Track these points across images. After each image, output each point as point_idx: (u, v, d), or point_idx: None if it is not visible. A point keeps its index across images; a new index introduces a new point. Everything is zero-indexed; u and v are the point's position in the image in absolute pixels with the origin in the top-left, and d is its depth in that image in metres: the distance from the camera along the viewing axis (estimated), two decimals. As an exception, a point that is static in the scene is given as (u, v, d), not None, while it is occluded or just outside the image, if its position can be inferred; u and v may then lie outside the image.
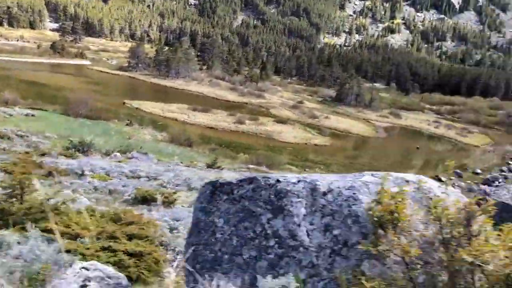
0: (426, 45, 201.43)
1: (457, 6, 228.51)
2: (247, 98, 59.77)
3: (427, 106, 79.37)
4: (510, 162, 40.81)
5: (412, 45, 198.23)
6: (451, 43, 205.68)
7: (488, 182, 30.81)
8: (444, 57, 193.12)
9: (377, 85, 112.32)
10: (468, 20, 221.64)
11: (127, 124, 34.23)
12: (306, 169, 29.53)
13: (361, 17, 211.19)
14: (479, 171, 34.25)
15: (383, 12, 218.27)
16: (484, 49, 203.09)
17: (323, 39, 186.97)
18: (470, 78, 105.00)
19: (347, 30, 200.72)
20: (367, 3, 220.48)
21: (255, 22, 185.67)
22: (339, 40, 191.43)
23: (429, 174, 32.36)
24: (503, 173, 34.91)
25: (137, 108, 43.90)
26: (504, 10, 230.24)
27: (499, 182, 30.86)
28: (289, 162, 30.31)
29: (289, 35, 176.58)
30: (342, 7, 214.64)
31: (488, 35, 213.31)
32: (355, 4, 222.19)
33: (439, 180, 31.13)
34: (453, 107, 77.68)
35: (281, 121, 44.38)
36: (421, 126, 56.35)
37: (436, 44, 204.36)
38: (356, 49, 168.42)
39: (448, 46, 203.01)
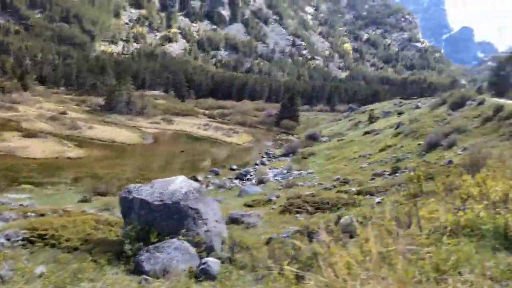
0: (202, 54, 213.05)
1: (227, 18, 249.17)
2: (-6, 112, 50.67)
3: (201, 110, 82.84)
4: (264, 156, 44.86)
5: (189, 53, 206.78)
6: (225, 52, 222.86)
7: (240, 177, 32.58)
8: (219, 65, 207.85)
9: (156, 92, 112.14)
10: (237, 31, 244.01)
11: None
12: (48, 186, 25.68)
13: (138, 25, 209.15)
14: (235, 167, 36.17)
15: (159, 21, 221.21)
16: (252, 57, 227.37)
17: (99, 47, 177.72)
18: (239, 84, 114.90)
19: (124, 38, 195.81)
20: (143, 12, 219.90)
21: (16, 28, 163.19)
22: (116, 48, 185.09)
23: (187, 175, 32.46)
24: (256, 166, 37.76)
25: None
26: (266, 23, 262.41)
27: (250, 175, 32.98)
28: (27, 181, 25.89)
29: (60, 42, 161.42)
30: (117, 15, 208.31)
31: (255, 45, 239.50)
32: (131, 13, 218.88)
33: (196, 179, 31.40)
34: (224, 111, 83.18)
35: (31, 134, 38.52)
36: (192, 129, 57.82)
37: (212, 53, 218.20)
38: (135, 57, 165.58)
39: (222, 55, 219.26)
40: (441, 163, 19.75)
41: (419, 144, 27.46)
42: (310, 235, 9.13)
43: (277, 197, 19.52)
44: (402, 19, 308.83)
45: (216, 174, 33.24)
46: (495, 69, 58.16)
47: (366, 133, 48.13)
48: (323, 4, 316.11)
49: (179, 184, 7.76)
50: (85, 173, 29.12)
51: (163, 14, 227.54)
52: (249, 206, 17.88)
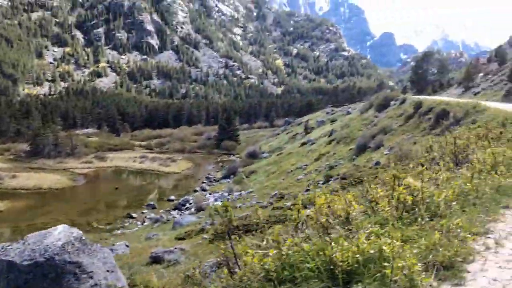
0: (135, 85, 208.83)
1: (157, 47, 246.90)
2: None
3: (137, 143, 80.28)
4: (204, 181, 43.75)
5: (121, 86, 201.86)
6: (158, 81, 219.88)
7: (179, 207, 31.29)
8: (153, 94, 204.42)
9: (89, 130, 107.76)
10: (168, 59, 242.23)
11: None
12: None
13: (63, 63, 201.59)
14: (173, 197, 34.78)
15: (86, 57, 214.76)
16: (187, 83, 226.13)
17: (23, 90, 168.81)
18: (175, 110, 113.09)
19: (50, 78, 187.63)
20: (67, 49, 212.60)
21: None
22: (42, 90, 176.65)
23: (120, 213, 30.69)
24: (196, 193, 36.56)
25: None
26: (196, 48, 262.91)
27: (189, 204, 31.75)
28: None
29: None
30: (40, 55, 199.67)
31: (188, 70, 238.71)
32: (54, 51, 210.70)
33: (131, 217, 29.73)
34: (162, 140, 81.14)
35: None
36: (127, 164, 55.51)
37: (144, 82, 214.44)
38: (63, 96, 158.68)
39: (155, 84, 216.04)
40: (369, 165, 19.86)
41: (350, 149, 27.79)
42: (229, 266, 8.36)
43: (211, 224, 18.62)
44: (327, 31, 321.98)
45: (153, 208, 31.70)
46: (414, 68, 61.55)
47: (303, 144, 48.54)
48: (250, 24, 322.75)
49: (57, 235, 6.67)
50: (5, 228, 26.56)
51: (89, 50, 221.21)
52: (181, 239, 16.86)
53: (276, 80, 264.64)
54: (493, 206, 4.82)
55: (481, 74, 36.62)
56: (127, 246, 16.68)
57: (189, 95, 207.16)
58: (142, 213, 30.11)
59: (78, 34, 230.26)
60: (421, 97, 32.59)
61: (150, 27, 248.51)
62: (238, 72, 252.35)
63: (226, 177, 43.98)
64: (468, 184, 5.35)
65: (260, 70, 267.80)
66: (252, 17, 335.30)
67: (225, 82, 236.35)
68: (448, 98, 29.99)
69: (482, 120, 15.28)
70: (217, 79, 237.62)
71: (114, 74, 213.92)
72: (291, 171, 32.94)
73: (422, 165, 6.59)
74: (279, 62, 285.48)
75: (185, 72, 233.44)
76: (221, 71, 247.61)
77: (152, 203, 32.53)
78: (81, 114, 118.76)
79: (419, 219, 3.95)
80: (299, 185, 24.43)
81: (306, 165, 31.77)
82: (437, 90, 44.59)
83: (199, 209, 28.32)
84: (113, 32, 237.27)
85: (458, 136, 9.13)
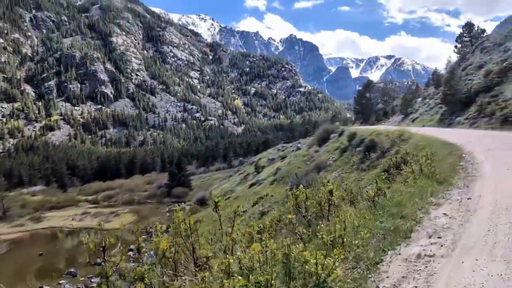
0: (90, 136, 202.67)
1: (112, 96, 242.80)
2: None
3: (84, 198, 75.26)
4: (144, 235, 39.95)
5: (75, 138, 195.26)
6: (114, 130, 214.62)
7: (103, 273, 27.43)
8: (109, 143, 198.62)
9: (36, 187, 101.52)
10: (124, 106, 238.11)
11: None
12: None
13: (12, 120, 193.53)
14: (99, 260, 30.83)
15: (37, 111, 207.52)
16: (144, 129, 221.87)
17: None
18: (127, 159, 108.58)
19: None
20: (16, 104, 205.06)
21: None
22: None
23: (35, 285, 26.52)
24: (130, 253, 32.75)
25: None
26: (153, 93, 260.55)
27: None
28: None
29: None
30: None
31: (145, 116, 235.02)
32: (3, 108, 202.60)
33: (42, 292, 25.64)
34: (110, 192, 76.49)
35: None
36: (64, 223, 50.83)
37: (99, 132, 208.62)
38: (11, 153, 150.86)
39: (111, 133, 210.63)
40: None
41: (286, 190, 25.31)
42: None
43: None
44: (282, 69, 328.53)
45: (74, 276, 27.76)
46: (356, 98, 61.22)
47: (252, 185, 45.93)
48: (206, 67, 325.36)
49: None
50: None
51: (40, 103, 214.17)
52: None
53: (236, 120, 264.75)
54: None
55: (420, 99, 35.79)
56: None
57: (146, 142, 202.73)
58: (59, 284, 26.12)
59: (28, 88, 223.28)
60: (361, 127, 31.04)
61: (103, 76, 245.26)
62: (197, 114, 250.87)
63: (167, 229, 40.28)
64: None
65: (220, 111, 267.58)
66: (208, 60, 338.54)
67: (184, 125, 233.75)
68: (385, 126, 28.54)
69: (405, 150, 13.23)
70: (175, 123, 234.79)
71: (68, 126, 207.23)
72: (230, 218, 29.99)
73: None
74: (238, 102, 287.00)
75: (142, 118, 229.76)
76: (179, 115, 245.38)
77: (73, 270, 28.55)
78: (28, 171, 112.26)
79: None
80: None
81: (244, 211, 29.03)
82: (381, 119, 43.62)
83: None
84: (65, 84, 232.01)
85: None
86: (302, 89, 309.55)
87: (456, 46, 44.95)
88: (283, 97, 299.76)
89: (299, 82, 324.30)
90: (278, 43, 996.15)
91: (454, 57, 42.80)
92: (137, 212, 57.64)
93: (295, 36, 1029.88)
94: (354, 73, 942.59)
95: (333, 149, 27.64)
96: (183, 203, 62.86)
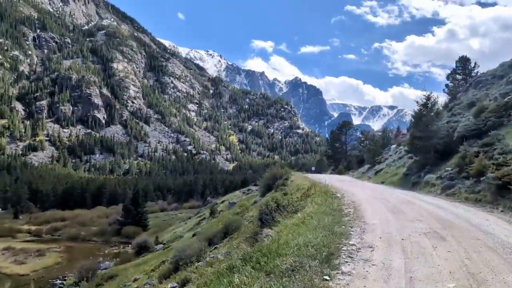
0: (74, 160, 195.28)
1: (103, 121, 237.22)
2: None
3: (28, 228, 66.80)
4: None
5: (57, 161, 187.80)
6: (100, 155, 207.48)
7: None
8: (93, 169, 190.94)
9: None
10: (115, 133, 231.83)
11: None
12: None
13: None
14: None
15: (23, 130, 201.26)
16: (132, 158, 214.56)
17: None
18: (94, 188, 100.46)
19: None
20: (3, 121, 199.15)
21: None
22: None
23: None
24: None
25: None
26: (147, 122, 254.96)
27: None
28: None
29: None
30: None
31: (135, 145, 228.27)
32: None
33: None
34: (57, 224, 68.05)
35: None
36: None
37: (85, 157, 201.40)
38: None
39: (96, 159, 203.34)
40: None
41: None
42: None
43: None
44: (282, 109, 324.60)
45: None
46: (330, 141, 53.91)
47: (194, 235, 37.94)
48: (205, 101, 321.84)
49: None
50: None
51: (28, 123, 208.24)
52: None
53: (229, 156, 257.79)
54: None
55: (394, 146, 28.70)
56: None
57: (131, 171, 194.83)
58: None
59: (19, 106, 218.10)
60: (308, 175, 23.73)
61: (97, 100, 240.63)
62: (189, 147, 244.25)
63: (76, 284, 32.21)
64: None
65: (213, 146, 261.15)
66: (208, 94, 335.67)
67: (173, 157, 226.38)
68: (328, 177, 21.11)
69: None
70: (165, 154, 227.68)
71: (53, 148, 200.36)
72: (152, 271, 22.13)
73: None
74: (233, 138, 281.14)
75: (131, 147, 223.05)
76: (171, 146, 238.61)
77: None
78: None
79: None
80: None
81: (135, 280, 21.15)
82: (352, 167, 36.28)
83: None
84: (57, 105, 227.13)
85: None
86: (299, 131, 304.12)
87: (447, 85, 38.12)
88: (280, 137, 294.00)
89: (297, 123, 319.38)
90: (282, 84, 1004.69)
91: (443, 99, 35.82)
92: (70, 251, 49.27)
93: (300, 79, 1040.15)
94: (356, 120, 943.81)
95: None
96: (130, 245, 54.58)
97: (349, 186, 18.80)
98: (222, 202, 56.55)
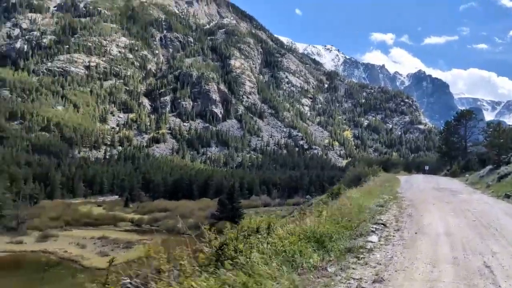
0: (191, 152, 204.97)
1: (220, 116, 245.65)
2: None
3: (130, 217, 68.67)
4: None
5: (177, 152, 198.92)
6: (216, 148, 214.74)
7: None
8: (209, 161, 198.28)
9: (107, 198, 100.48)
10: (230, 127, 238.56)
11: None
12: None
13: (124, 129, 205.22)
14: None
15: (148, 124, 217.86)
16: (245, 151, 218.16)
17: (79, 153, 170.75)
18: (202, 180, 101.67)
19: (108, 142, 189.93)
20: (132, 115, 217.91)
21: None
22: (98, 154, 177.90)
23: None
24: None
25: None
26: (260, 117, 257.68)
27: None
28: None
29: (34, 152, 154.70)
30: (104, 121, 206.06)
31: (248, 139, 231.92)
32: (119, 117, 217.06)
33: None
34: (158, 215, 68.67)
35: None
36: (63, 247, 43.10)
37: (202, 150, 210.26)
38: (110, 161, 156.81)
39: (212, 151, 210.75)
40: None
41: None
42: None
43: None
44: (402, 103, 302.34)
45: None
46: (443, 134, 43.26)
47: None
48: (320, 95, 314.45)
49: None
50: None
51: (153, 117, 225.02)
52: None
53: (342, 152, 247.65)
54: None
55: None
56: None
57: (244, 164, 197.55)
58: None
59: (145, 102, 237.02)
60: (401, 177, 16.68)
61: (215, 96, 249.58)
62: (301, 142, 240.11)
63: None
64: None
65: (326, 141, 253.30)
66: (323, 89, 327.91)
67: (285, 151, 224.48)
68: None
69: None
70: (276, 148, 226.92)
71: (174, 140, 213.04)
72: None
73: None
74: (348, 133, 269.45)
75: (245, 140, 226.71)
76: (282, 141, 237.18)
77: None
78: (111, 180, 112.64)
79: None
80: None
81: None
82: (472, 167, 27.19)
83: None
84: (179, 100, 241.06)
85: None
86: (421, 127, 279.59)
87: None
88: (399, 133, 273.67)
89: (419, 118, 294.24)
90: (404, 77, 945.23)
91: None
92: (159, 244, 47.92)
93: (423, 72, 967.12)
94: (489, 116, 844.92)
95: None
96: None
97: (436, 211, 11.49)
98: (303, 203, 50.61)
